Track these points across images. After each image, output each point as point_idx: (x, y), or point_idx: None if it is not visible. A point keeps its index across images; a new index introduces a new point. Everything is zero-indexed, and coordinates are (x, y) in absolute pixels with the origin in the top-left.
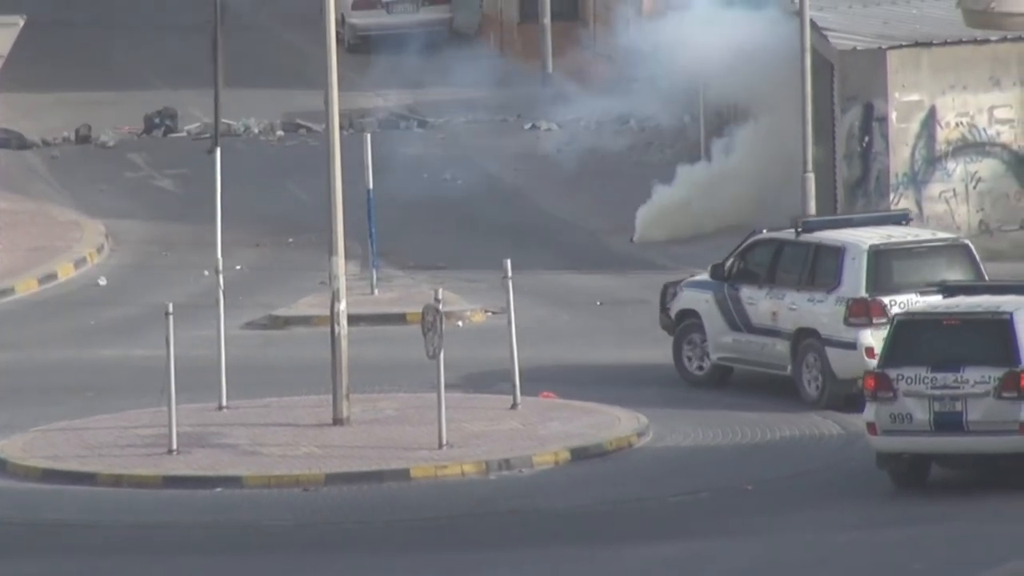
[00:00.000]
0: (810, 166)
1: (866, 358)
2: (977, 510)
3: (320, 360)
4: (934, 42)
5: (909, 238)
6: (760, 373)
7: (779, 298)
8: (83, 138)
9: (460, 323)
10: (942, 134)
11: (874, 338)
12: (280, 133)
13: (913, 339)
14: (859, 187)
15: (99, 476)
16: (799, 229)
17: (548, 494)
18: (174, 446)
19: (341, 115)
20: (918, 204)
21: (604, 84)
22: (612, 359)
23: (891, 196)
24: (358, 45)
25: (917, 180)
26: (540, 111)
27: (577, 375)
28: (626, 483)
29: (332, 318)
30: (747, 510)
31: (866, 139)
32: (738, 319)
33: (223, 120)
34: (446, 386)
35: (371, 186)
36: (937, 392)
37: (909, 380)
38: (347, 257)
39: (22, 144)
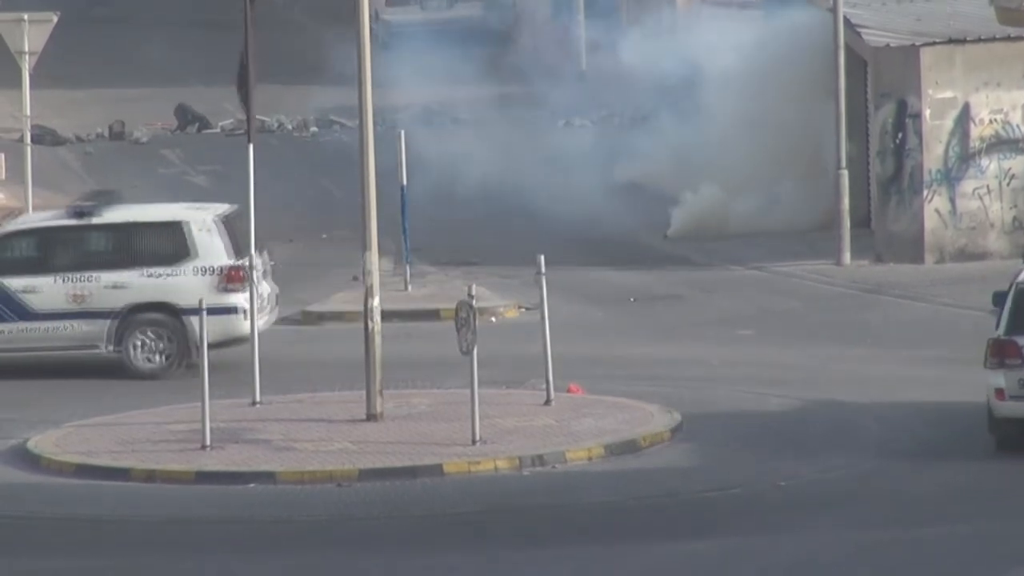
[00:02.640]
0: (843, 163)
1: (244, 320)
2: (1017, 508)
3: (353, 356)
4: (968, 39)
5: (225, 208)
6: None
7: (87, 281)
8: (116, 134)
9: (493, 319)
10: (976, 131)
11: (245, 300)
12: (314, 129)
13: None
14: (892, 184)
15: (132, 471)
16: (80, 214)
17: (581, 490)
18: (207, 442)
19: (374, 111)
20: (951, 201)
21: (637, 81)
22: (645, 355)
23: (924, 193)
24: (392, 41)
25: (950, 177)
26: (573, 107)
27: (610, 371)
28: (659, 479)
29: (365, 314)
30: (780, 506)
31: (899, 136)
32: (6, 311)
33: (256, 116)
34: (479, 382)
35: (405, 182)
36: None
37: None
38: (380, 253)
39: (56, 140)
